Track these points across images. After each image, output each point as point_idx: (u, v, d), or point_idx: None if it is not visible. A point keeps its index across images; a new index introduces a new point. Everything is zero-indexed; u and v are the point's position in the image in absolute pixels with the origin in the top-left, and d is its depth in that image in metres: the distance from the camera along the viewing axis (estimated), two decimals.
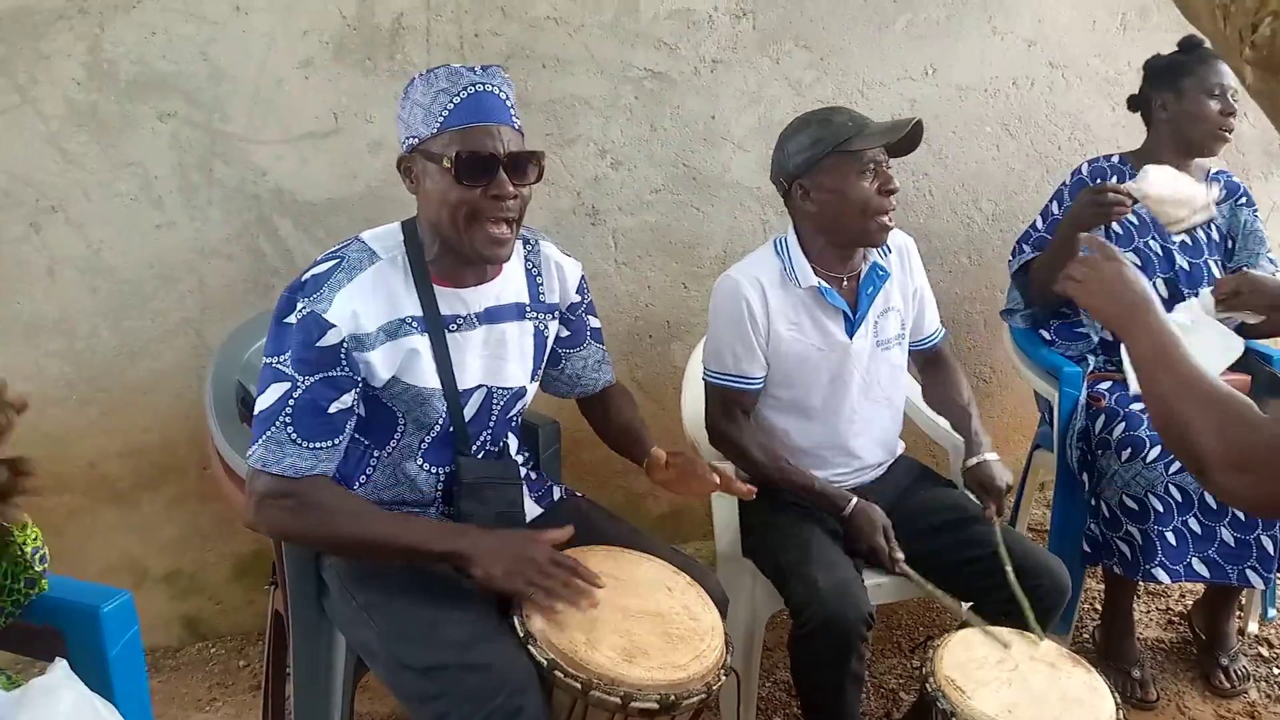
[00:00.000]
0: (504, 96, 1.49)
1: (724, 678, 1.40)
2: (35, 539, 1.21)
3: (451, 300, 1.56)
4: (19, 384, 0.95)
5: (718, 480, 1.67)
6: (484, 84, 1.47)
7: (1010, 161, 2.85)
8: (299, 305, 1.45)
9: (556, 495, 1.78)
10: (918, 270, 2.08)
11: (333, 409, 1.46)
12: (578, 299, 1.77)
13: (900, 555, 1.84)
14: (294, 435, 1.43)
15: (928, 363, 2.19)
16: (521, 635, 1.38)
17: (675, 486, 1.73)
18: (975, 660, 1.58)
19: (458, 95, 1.46)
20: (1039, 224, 2.43)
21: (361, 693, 1.93)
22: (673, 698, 1.32)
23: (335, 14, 2.18)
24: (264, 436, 1.44)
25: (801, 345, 1.93)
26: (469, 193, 1.45)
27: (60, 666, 1.08)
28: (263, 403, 1.45)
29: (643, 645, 1.37)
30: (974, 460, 1.95)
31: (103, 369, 2.18)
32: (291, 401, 1.44)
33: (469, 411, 1.61)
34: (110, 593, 1.28)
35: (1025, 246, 2.43)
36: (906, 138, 1.83)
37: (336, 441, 1.47)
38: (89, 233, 2.13)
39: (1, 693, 1.08)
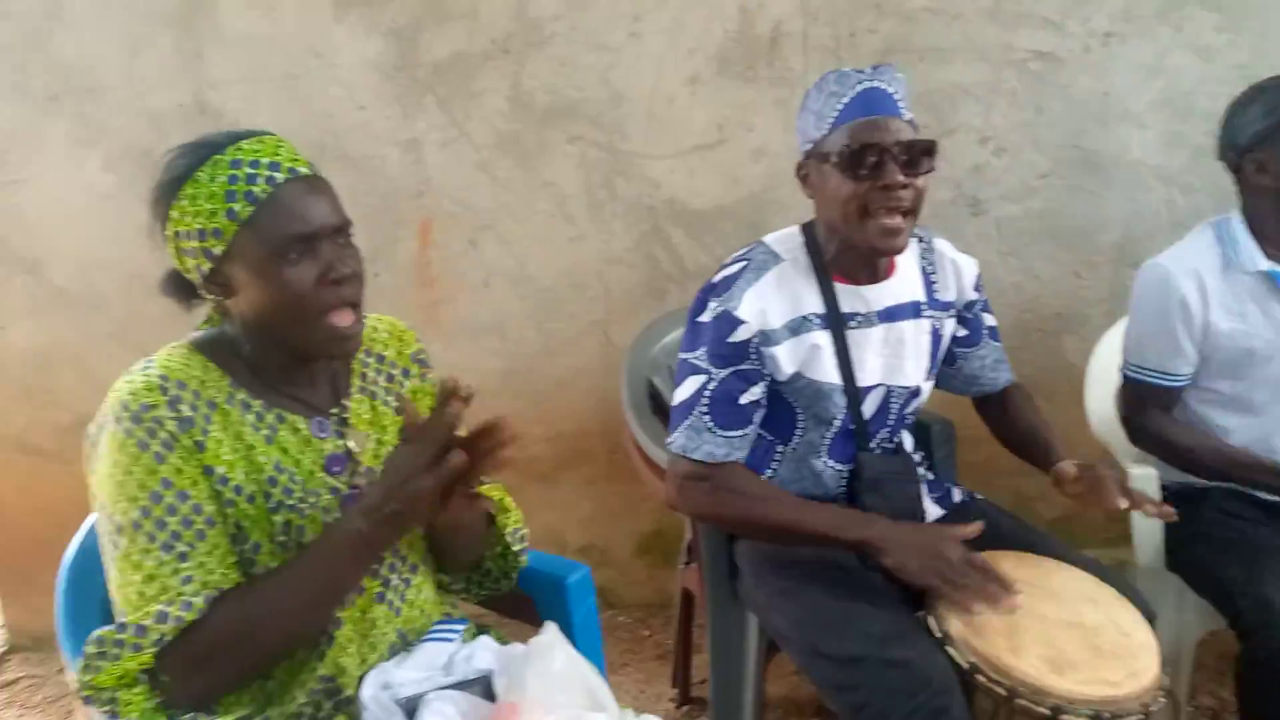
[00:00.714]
0: (893, 91, 1.51)
1: (1162, 700, 1.33)
2: (517, 520, 1.43)
3: (851, 298, 1.61)
4: (464, 378, 1.10)
5: (1126, 505, 1.55)
6: (873, 81, 1.51)
7: None
8: (711, 304, 1.57)
9: (957, 498, 1.78)
10: None
11: (743, 400, 1.56)
12: (975, 296, 1.75)
13: None
14: (710, 424, 1.56)
15: None
16: (939, 635, 1.40)
17: (1085, 500, 1.65)
18: None
19: (846, 95, 1.50)
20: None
21: None
22: (1107, 715, 1.28)
23: (718, 30, 2.31)
24: (684, 425, 1.57)
25: (1246, 337, 1.77)
26: (859, 185, 1.48)
27: (551, 629, 1.26)
28: (681, 394, 1.59)
29: (1070, 657, 1.34)
30: None
31: (529, 365, 2.49)
32: (707, 393, 1.56)
33: (868, 409, 1.65)
34: (574, 566, 1.48)
35: None
36: None
37: (747, 431, 1.58)
38: (516, 247, 2.43)
39: (513, 646, 1.29)
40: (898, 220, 1.50)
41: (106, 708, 1.07)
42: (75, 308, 2.48)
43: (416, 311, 2.40)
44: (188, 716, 1.12)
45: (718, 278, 1.61)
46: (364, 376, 1.32)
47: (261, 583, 1.13)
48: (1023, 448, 1.77)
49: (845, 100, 1.50)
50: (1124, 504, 1.52)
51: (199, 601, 1.08)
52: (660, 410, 2.07)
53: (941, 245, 1.73)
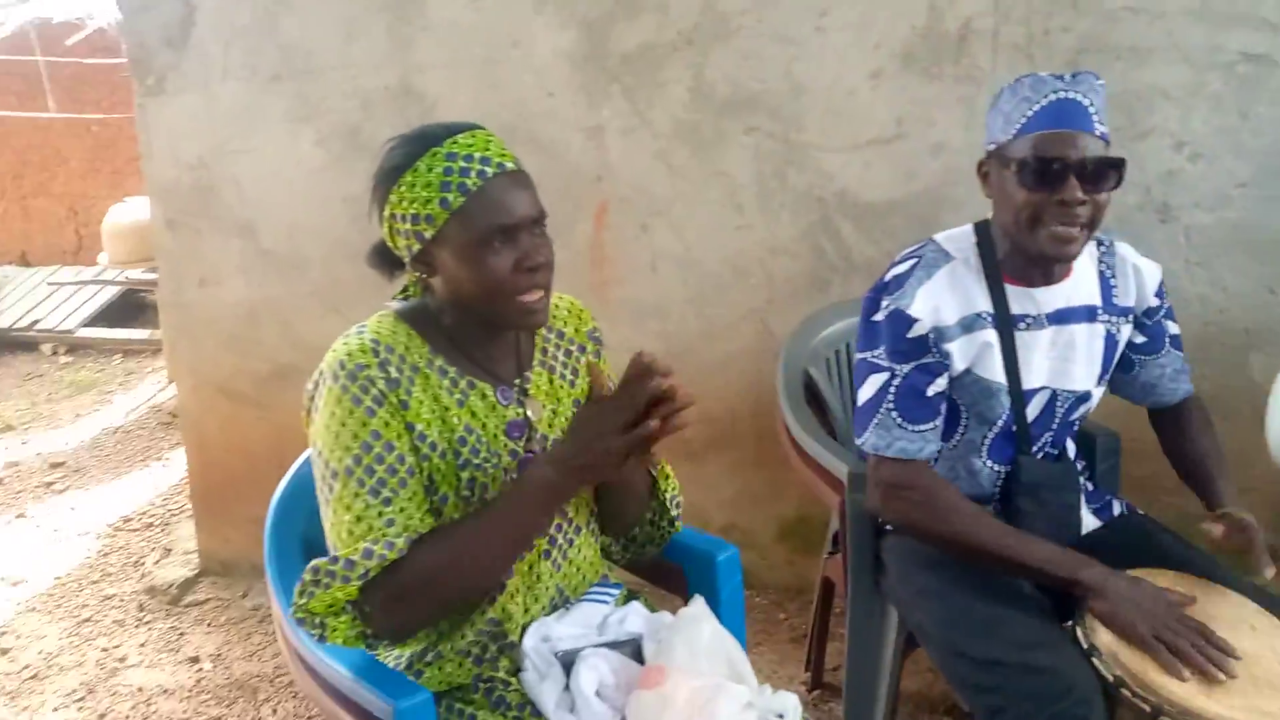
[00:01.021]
0: (1088, 104, 1.49)
1: None
2: (675, 489, 1.51)
3: (1022, 299, 1.60)
4: (627, 358, 1.19)
5: (1271, 574, 1.48)
6: (1068, 91, 1.48)
7: None
8: (884, 303, 1.60)
9: (1116, 510, 1.74)
10: None
11: (930, 392, 1.57)
12: (1156, 303, 1.70)
13: None
14: (899, 419, 1.58)
15: None
16: (1086, 647, 1.39)
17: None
18: None
19: (1039, 102, 1.49)
20: None
21: None
22: None
23: (906, 25, 2.30)
24: (872, 424, 1.60)
25: None
26: (1034, 196, 1.48)
27: (699, 602, 1.34)
28: (864, 394, 1.62)
29: (1224, 681, 1.32)
30: None
31: (687, 347, 2.56)
32: (892, 389, 1.58)
33: (1031, 412, 1.64)
34: (723, 545, 1.55)
35: None
36: None
37: (936, 423, 1.58)
38: (684, 233, 2.51)
39: (661, 614, 1.38)
40: (1073, 231, 1.49)
41: (316, 631, 1.22)
42: (281, 268, 2.73)
43: (587, 291, 2.52)
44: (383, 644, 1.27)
45: (889, 276, 1.63)
46: (545, 351, 1.43)
47: (457, 527, 1.25)
48: (1189, 474, 1.70)
49: (1036, 107, 1.49)
50: (1269, 573, 1.47)
51: (400, 542, 1.21)
52: (814, 401, 2.10)
53: (1123, 249, 1.69)
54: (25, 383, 5.40)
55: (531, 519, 1.25)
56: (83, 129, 7.18)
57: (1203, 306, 2.32)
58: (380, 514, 1.21)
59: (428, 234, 1.24)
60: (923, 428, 1.57)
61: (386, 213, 1.28)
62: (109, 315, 6.12)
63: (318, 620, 1.21)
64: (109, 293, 6.05)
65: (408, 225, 1.25)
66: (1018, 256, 1.59)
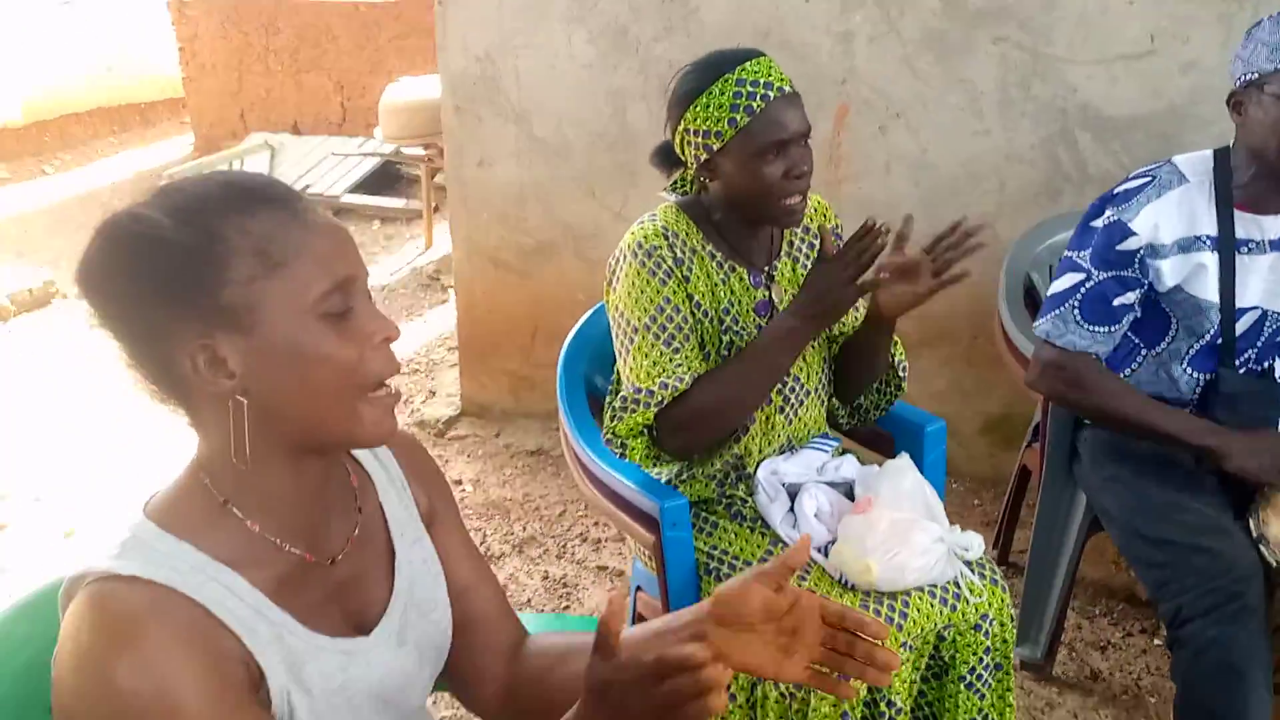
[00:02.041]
0: None
1: None
2: (902, 354, 1.75)
3: (1249, 225, 1.70)
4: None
5: None
6: None
7: None
8: (1108, 212, 1.74)
9: None
10: None
11: (1116, 302, 1.73)
12: None
13: None
14: (1078, 317, 1.75)
15: None
16: (1255, 535, 1.55)
17: None
18: None
19: None
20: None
21: None
22: None
23: None
24: (1053, 314, 1.78)
25: None
26: None
27: (905, 456, 1.60)
28: (1057, 286, 1.79)
29: None
30: None
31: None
32: (1083, 290, 1.75)
33: (1240, 328, 1.74)
34: (932, 418, 1.79)
35: None
36: None
37: (1113, 330, 1.75)
38: (921, 136, 2.65)
39: (870, 466, 1.65)
40: None
41: (619, 450, 1.58)
42: (547, 154, 3.09)
43: (821, 188, 2.66)
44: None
45: (1119, 189, 1.76)
46: (791, 244, 1.69)
47: (724, 368, 1.57)
48: None
49: None
50: None
51: (688, 378, 1.53)
52: (1033, 304, 2.25)
53: None
54: None
55: (779, 358, 1.55)
56: (351, 10, 7.83)
57: None
58: (671, 359, 1.54)
59: (715, 146, 1.51)
60: (1097, 330, 1.73)
61: (680, 129, 1.55)
62: (369, 184, 6.77)
63: (620, 441, 1.56)
64: (370, 163, 6.71)
65: (699, 139, 1.52)
66: (1259, 183, 1.67)
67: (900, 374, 1.75)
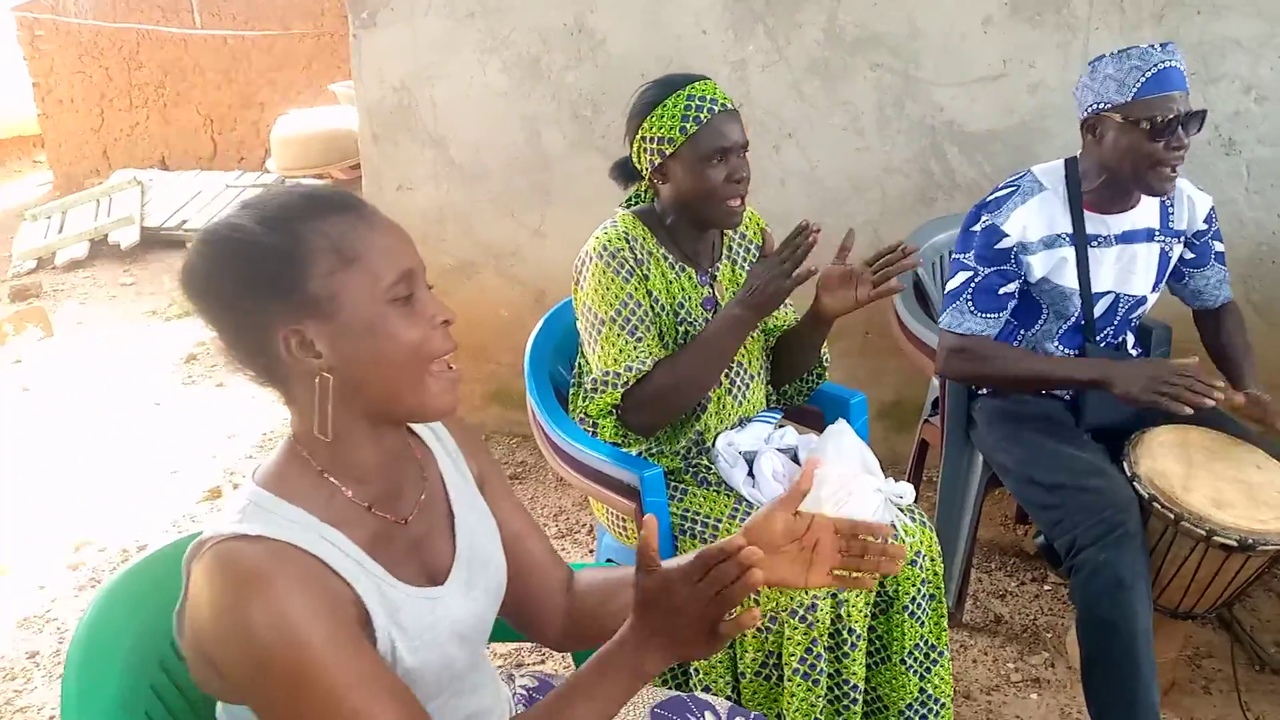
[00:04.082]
0: (1181, 68, 1.87)
1: None
2: (826, 349, 2.00)
3: (1096, 223, 2.04)
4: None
5: None
6: (1167, 61, 1.86)
7: None
8: (983, 218, 2.05)
9: None
10: None
11: (1001, 292, 2.04)
12: (1204, 227, 2.12)
13: None
14: (972, 308, 2.05)
15: None
16: (1129, 474, 1.88)
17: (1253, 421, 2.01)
18: None
19: (1149, 71, 1.86)
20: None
21: None
22: (1250, 540, 1.73)
23: None
24: (951, 308, 2.08)
25: None
26: (1154, 146, 1.88)
27: (842, 422, 1.85)
28: (951, 285, 2.10)
29: (1230, 500, 1.79)
30: None
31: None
32: (972, 285, 2.05)
33: (1098, 310, 2.09)
34: (854, 393, 2.05)
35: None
36: None
37: (1000, 315, 2.06)
38: (810, 153, 2.95)
39: (810, 435, 1.89)
40: (1177, 170, 1.91)
41: (591, 429, 1.77)
42: (465, 178, 3.25)
43: None
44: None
45: (990, 198, 2.08)
46: (730, 249, 1.93)
47: (681, 353, 1.78)
48: (1220, 360, 2.15)
49: (1147, 75, 1.86)
50: None
51: (650, 362, 1.74)
52: (922, 297, 2.57)
53: (1182, 183, 2.10)
54: None
55: (727, 343, 1.77)
56: (219, 43, 7.73)
57: (1257, 229, 2.71)
58: (635, 346, 1.74)
59: (668, 151, 1.73)
60: (989, 316, 2.05)
61: (638, 136, 1.77)
62: None
63: (592, 421, 1.75)
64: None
65: (654, 145, 1.74)
66: (1104, 190, 2.01)
67: (824, 365, 2.01)
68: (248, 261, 0.98)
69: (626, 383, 1.73)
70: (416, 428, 1.20)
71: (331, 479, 1.05)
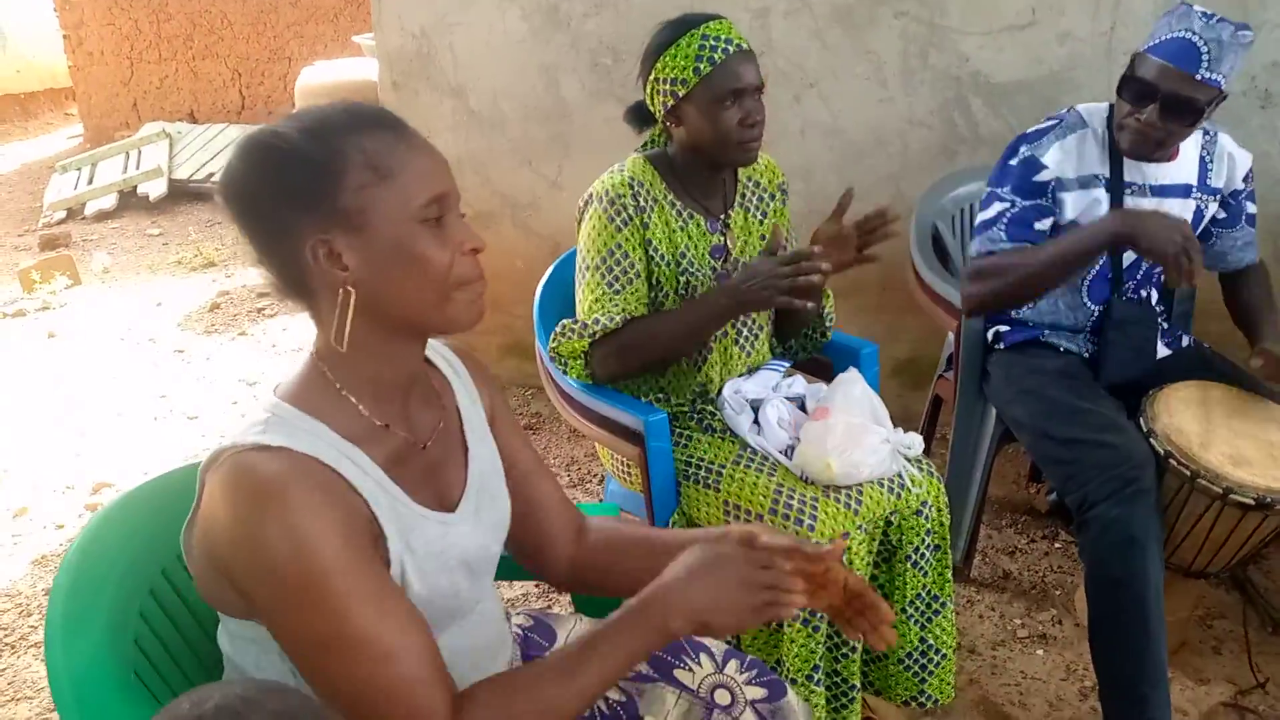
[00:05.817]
0: (1205, 50, 1.76)
1: None
2: (830, 305, 1.98)
3: (1133, 170, 1.98)
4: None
5: None
6: (1198, 36, 1.76)
7: None
8: (1022, 150, 2.00)
9: (1185, 342, 2.14)
10: None
11: (1037, 226, 1.99)
12: (1241, 187, 2.06)
13: None
14: (1004, 236, 1.98)
15: None
16: (1145, 430, 1.84)
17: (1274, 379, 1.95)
18: None
19: (1171, 33, 1.80)
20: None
21: None
22: (1268, 499, 1.69)
23: None
24: (984, 235, 2.02)
25: None
26: (1125, 107, 1.87)
27: (852, 370, 1.82)
28: (984, 215, 2.04)
29: (1249, 458, 1.75)
30: None
31: (826, 209, 2.96)
32: (1007, 215, 2.00)
33: (1125, 260, 2.04)
34: (866, 343, 2.02)
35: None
36: None
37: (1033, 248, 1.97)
38: (832, 104, 2.90)
39: (819, 384, 1.87)
40: (1145, 144, 1.87)
41: (561, 367, 1.77)
42: (484, 127, 3.22)
43: None
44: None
45: (1032, 130, 2.03)
46: (744, 195, 1.90)
47: (659, 319, 1.76)
48: (1241, 320, 2.10)
49: (1164, 37, 1.81)
50: None
51: (619, 319, 1.73)
52: (941, 252, 2.52)
53: (1224, 140, 2.04)
54: (209, 228, 6.03)
55: (706, 325, 1.74)
56: None
57: None
58: (611, 300, 1.73)
59: (681, 93, 1.70)
60: (1021, 245, 1.98)
61: (651, 77, 1.73)
62: None
63: (561, 360, 1.76)
64: None
65: (667, 86, 1.71)
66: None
67: (827, 324, 1.98)
68: (283, 169, 0.98)
69: (594, 335, 1.73)
70: (435, 359, 1.21)
71: (350, 396, 1.05)
